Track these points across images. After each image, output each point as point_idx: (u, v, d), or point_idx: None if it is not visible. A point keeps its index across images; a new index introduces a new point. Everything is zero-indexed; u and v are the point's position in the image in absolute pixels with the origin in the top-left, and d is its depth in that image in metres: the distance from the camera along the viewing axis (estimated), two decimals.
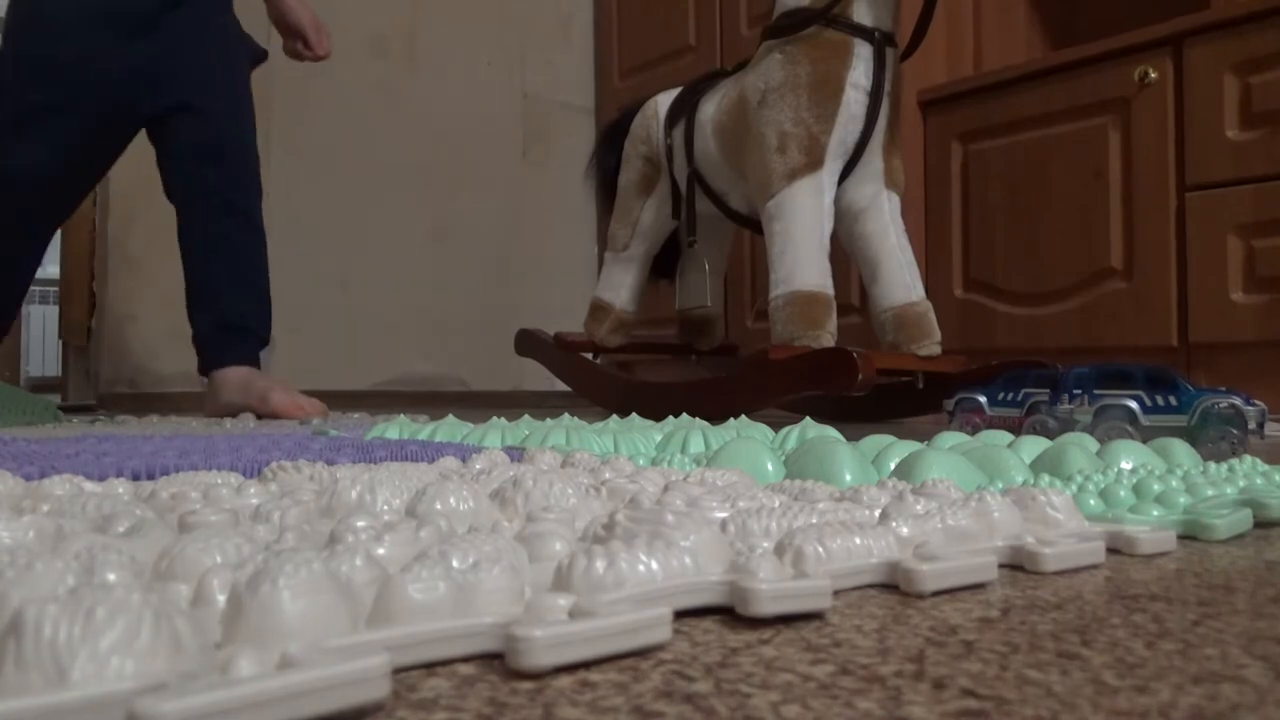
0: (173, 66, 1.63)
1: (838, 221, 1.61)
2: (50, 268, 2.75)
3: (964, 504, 0.42)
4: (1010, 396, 1.03)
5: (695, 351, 2.02)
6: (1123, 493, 0.53)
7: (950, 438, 0.78)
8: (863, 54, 1.55)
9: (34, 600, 0.22)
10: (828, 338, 1.51)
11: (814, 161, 1.54)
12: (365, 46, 2.39)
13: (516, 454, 0.74)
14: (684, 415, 1.22)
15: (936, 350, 1.58)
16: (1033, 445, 0.72)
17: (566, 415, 1.15)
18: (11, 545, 0.35)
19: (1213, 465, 0.64)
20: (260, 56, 1.81)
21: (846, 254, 1.67)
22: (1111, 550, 0.41)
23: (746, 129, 1.64)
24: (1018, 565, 0.38)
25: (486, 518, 0.43)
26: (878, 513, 0.43)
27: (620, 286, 1.93)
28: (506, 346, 2.19)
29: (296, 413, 1.56)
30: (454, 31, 2.82)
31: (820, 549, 0.33)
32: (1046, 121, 1.93)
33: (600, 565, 0.29)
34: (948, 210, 2.09)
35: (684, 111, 1.81)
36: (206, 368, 1.68)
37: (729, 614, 0.30)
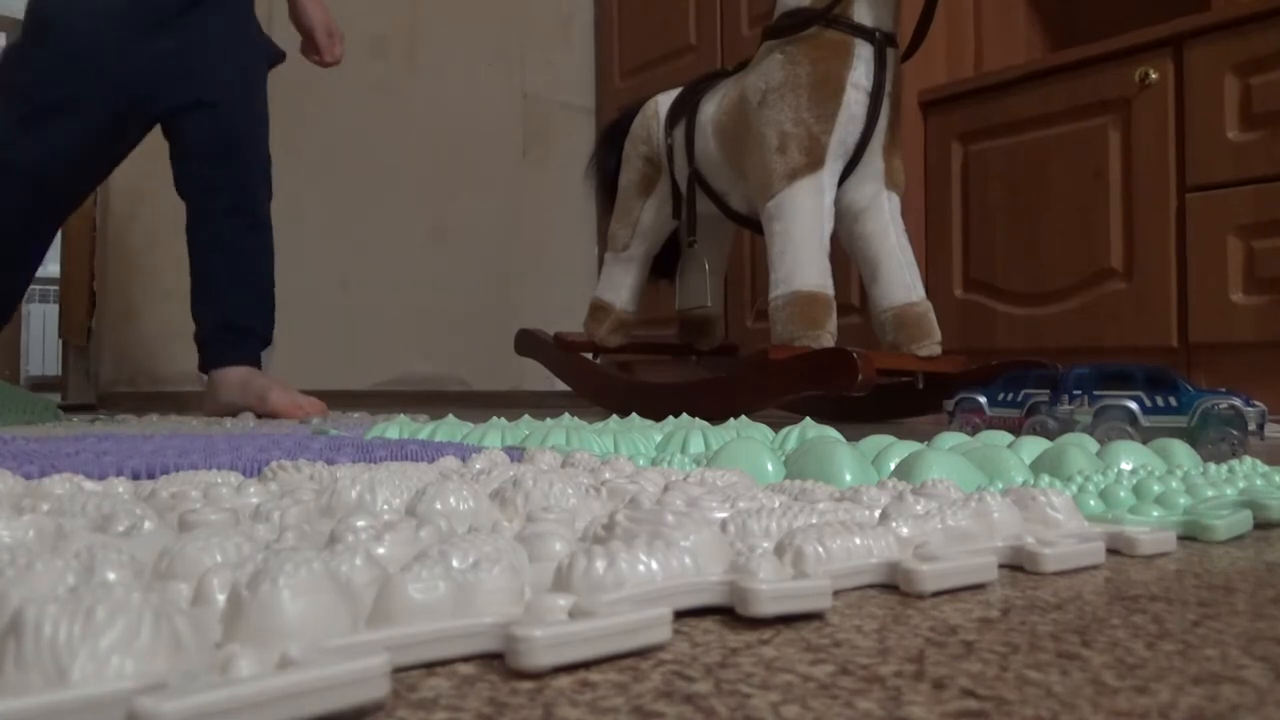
0: (189, 64, 1.63)
1: (838, 221, 1.61)
2: (50, 266, 2.75)
3: (964, 504, 0.42)
4: (1010, 397, 1.03)
5: (695, 352, 2.02)
6: (1123, 493, 0.53)
7: (950, 438, 0.78)
8: (863, 54, 1.55)
9: (34, 599, 0.22)
10: (828, 338, 1.51)
11: (814, 162, 1.54)
12: (365, 47, 2.39)
13: (516, 454, 0.74)
14: (684, 415, 1.22)
15: (936, 350, 1.58)
16: (1033, 446, 0.72)
17: (566, 415, 1.15)
18: (12, 544, 0.35)
19: (1213, 466, 0.64)
20: (278, 57, 1.80)
21: (846, 254, 1.67)
22: (1111, 551, 0.41)
23: (747, 129, 1.64)
24: (1018, 565, 0.38)
25: (486, 518, 0.43)
26: (878, 513, 0.43)
27: (620, 286, 1.93)
28: (506, 346, 2.19)
29: (296, 412, 1.56)
30: (454, 31, 2.82)
31: (820, 549, 0.33)
32: (1047, 122, 1.93)
33: (600, 565, 0.29)
34: (948, 210, 2.09)
35: (684, 111, 1.81)
36: (207, 366, 1.68)
37: (729, 614, 0.30)
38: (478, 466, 0.65)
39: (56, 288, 2.61)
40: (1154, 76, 1.77)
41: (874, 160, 1.61)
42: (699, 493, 0.50)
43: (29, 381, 3.10)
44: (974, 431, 1.04)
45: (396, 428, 1.03)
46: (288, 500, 0.47)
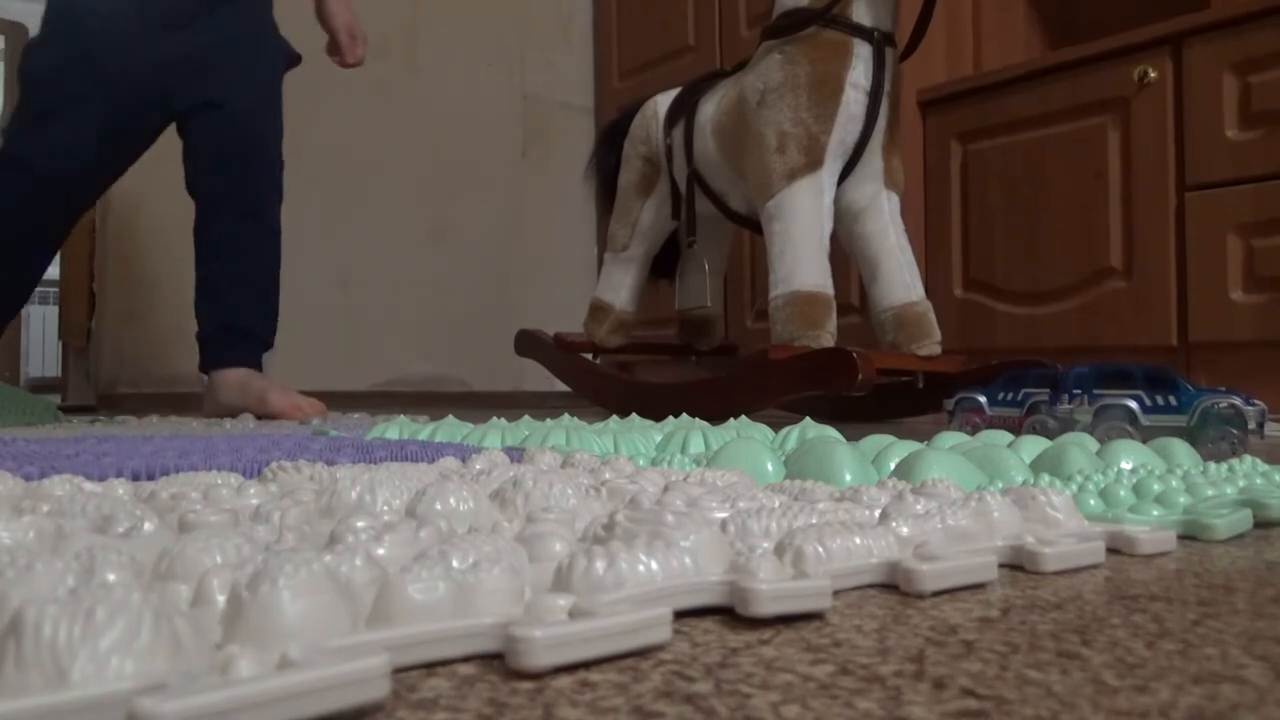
0: (204, 63, 1.63)
1: (837, 221, 1.61)
2: (50, 268, 2.74)
3: (964, 504, 0.42)
4: (1010, 396, 1.03)
5: (695, 352, 2.02)
6: (1123, 493, 0.53)
7: (950, 437, 0.78)
8: (862, 54, 1.55)
9: (34, 600, 0.22)
10: (828, 338, 1.51)
11: (813, 161, 1.54)
12: (369, 48, 2.39)
13: (516, 454, 0.74)
14: (684, 415, 1.22)
15: (936, 350, 1.58)
16: (1033, 445, 0.72)
17: (566, 416, 1.15)
18: (11, 545, 0.35)
19: (1213, 465, 0.64)
20: (294, 60, 1.81)
21: (846, 254, 1.67)
22: (1111, 550, 0.41)
23: (746, 129, 1.64)
24: (1018, 565, 0.38)
25: (486, 518, 0.43)
26: (878, 513, 0.43)
27: (620, 287, 1.93)
28: (506, 347, 2.19)
29: (295, 414, 1.56)
30: (454, 32, 2.82)
31: (820, 549, 0.33)
32: (1046, 121, 1.93)
33: (600, 565, 0.29)
34: (947, 210, 2.09)
35: (683, 112, 1.81)
36: (207, 366, 1.68)
37: (729, 614, 0.30)
38: (478, 467, 0.65)
39: (56, 289, 2.60)
40: (1153, 75, 1.77)
41: (873, 160, 1.61)
42: (699, 493, 0.50)
43: (29, 383, 3.10)
44: (974, 431, 1.04)
45: (396, 428, 1.03)
46: (287, 501, 0.47)
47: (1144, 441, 0.76)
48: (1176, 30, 1.75)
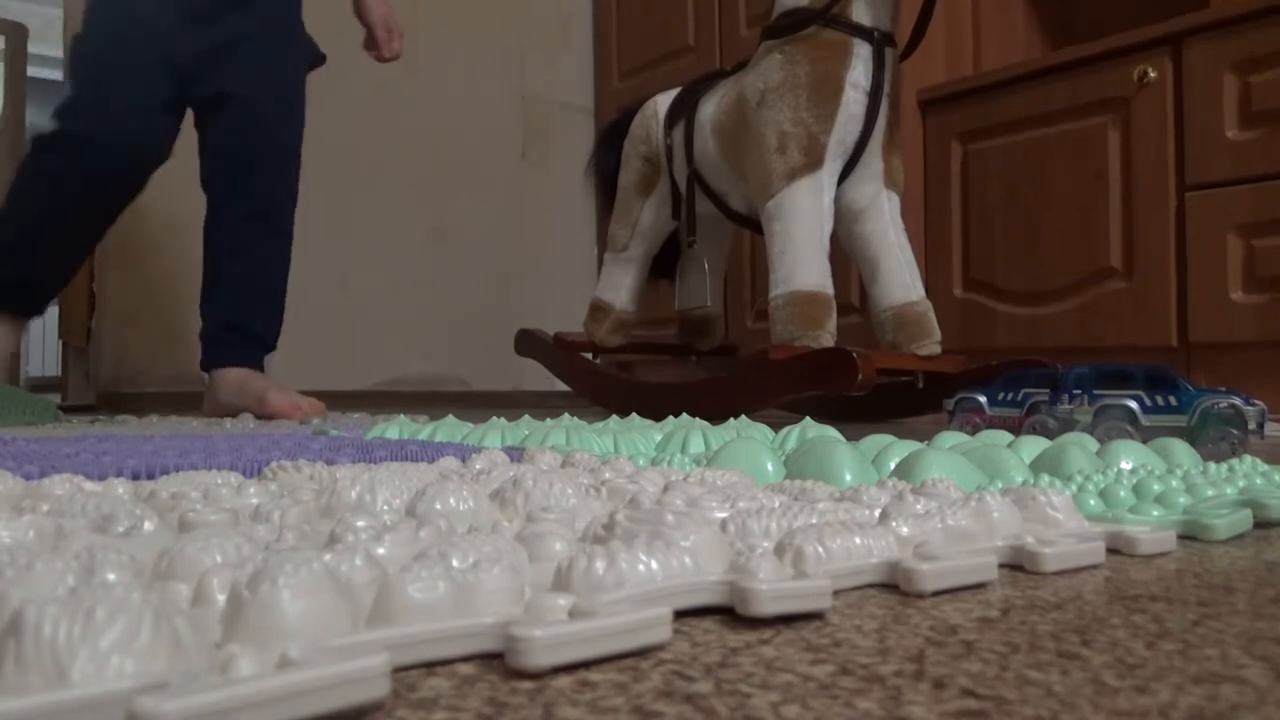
0: (225, 57, 1.63)
1: (837, 221, 1.61)
2: None
3: (964, 504, 0.42)
4: (1010, 396, 1.03)
5: (695, 352, 2.02)
6: (1123, 493, 0.53)
7: (950, 437, 0.78)
8: (862, 54, 1.55)
9: (34, 600, 0.22)
10: (828, 338, 1.51)
11: (813, 161, 1.54)
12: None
13: (516, 454, 0.74)
14: (684, 415, 1.22)
15: (936, 350, 1.58)
16: (1033, 445, 0.72)
17: (566, 415, 1.15)
18: (11, 545, 0.35)
19: (1213, 465, 0.64)
20: (318, 60, 1.80)
21: (846, 254, 1.67)
22: (1111, 550, 0.41)
23: (746, 129, 1.64)
24: (1018, 565, 0.38)
25: (486, 518, 0.43)
26: (878, 512, 0.43)
27: (620, 287, 1.93)
28: (506, 346, 2.19)
29: (295, 413, 1.56)
30: (454, 31, 2.82)
31: (820, 549, 0.33)
32: (1046, 121, 1.93)
33: (600, 565, 0.29)
34: (947, 210, 2.09)
35: (683, 112, 1.81)
36: (208, 365, 1.68)
37: (729, 614, 0.30)
38: (478, 467, 0.65)
39: None
40: (1153, 75, 1.77)
41: (873, 160, 1.61)
42: (699, 492, 0.50)
43: (29, 382, 3.10)
44: (974, 431, 1.04)
45: (396, 428, 1.03)
46: (288, 500, 0.47)
47: (1144, 442, 0.76)
48: (1176, 30, 1.75)
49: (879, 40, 1.56)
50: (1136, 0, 2.20)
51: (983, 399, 1.06)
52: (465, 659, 0.25)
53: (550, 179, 2.99)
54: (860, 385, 1.39)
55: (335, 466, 0.61)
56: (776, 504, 0.47)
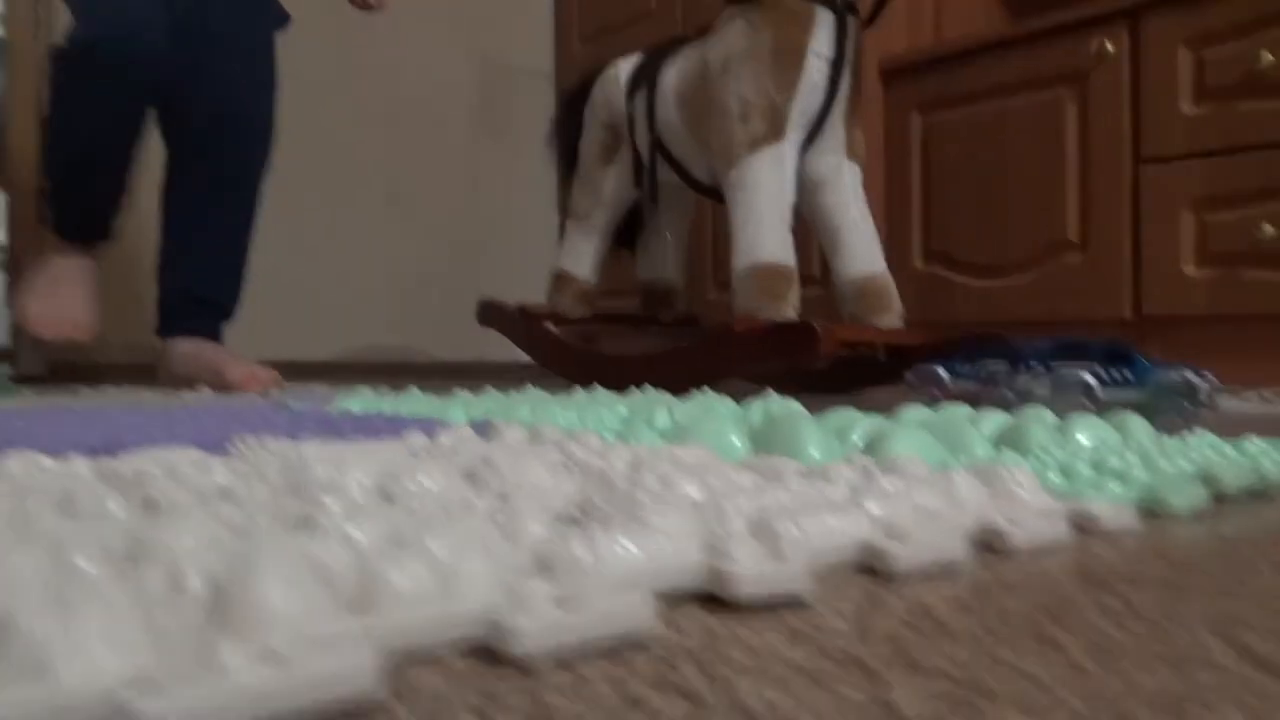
0: (194, 23, 1.59)
1: (799, 193, 1.61)
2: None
3: (932, 482, 0.42)
4: (969, 369, 1.05)
5: (658, 322, 2.02)
6: (1083, 468, 0.54)
7: (912, 411, 0.79)
8: (824, 21, 1.55)
9: (11, 592, 0.21)
10: (790, 310, 1.51)
11: (776, 130, 1.54)
12: (318, 8, 2.34)
13: (482, 428, 0.74)
14: (647, 388, 1.22)
15: (898, 323, 1.59)
16: (993, 420, 0.74)
17: (529, 387, 1.15)
18: None
19: (1167, 439, 0.65)
20: (283, 20, 1.76)
21: (808, 225, 1.68)
22: (1074, 526, 0.42)
23: (709, 98, 1.63)
24: (985, 543, 0.38)
25: (458, 497, 0.43)
26: (847, 491, 0.43)
27: (583, 255, 1.92)
28: (467, 315, 2.17)
29: (252, 384, 1.54)
30: None
31: (796, 530, 0.33)
32: (1006, 92, 1.94)
33: (580, 550, 0.29)
34: (908, 181, 2.10)
35: (645, 79, 1.80)
36: (164, 332, 1.65)
37: (710, 598, 0.30)
38: (445, 442, 0.65)
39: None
40: (1110, 49, 1.78)
41: (835, 130, 1.61)
42: (667, 469, 0.51)
43: None
44: (934, 403, 1.05)
45: (359, 402, 1.02)
46: (255, 480, 0.47)
47: (1100, 415, 0.78)
48: (1134, 4, 1.76)
49: (841, 8, 1.55)
50: None
51: (943, 372, 1.07)
52: (451, 646, 0.25)
53: (509, 144, 2.96)
54: (823, 358, 1.39)
55: (301, 443, 0.60)
56: (749, 482, 0.47)
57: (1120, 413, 0.75)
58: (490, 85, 2.94)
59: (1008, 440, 0.66)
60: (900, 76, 2.11)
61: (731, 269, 1.56)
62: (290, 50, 2.25)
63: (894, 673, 0.24)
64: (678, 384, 1.42)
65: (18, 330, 2.37)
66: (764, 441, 0.66)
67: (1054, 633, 0.27)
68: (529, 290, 2.25)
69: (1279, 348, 1.64)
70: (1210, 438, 0.67)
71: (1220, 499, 0.51)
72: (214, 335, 1.66)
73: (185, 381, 1.60)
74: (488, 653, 0.25)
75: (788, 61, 1.54)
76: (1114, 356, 0.90)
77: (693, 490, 0.44)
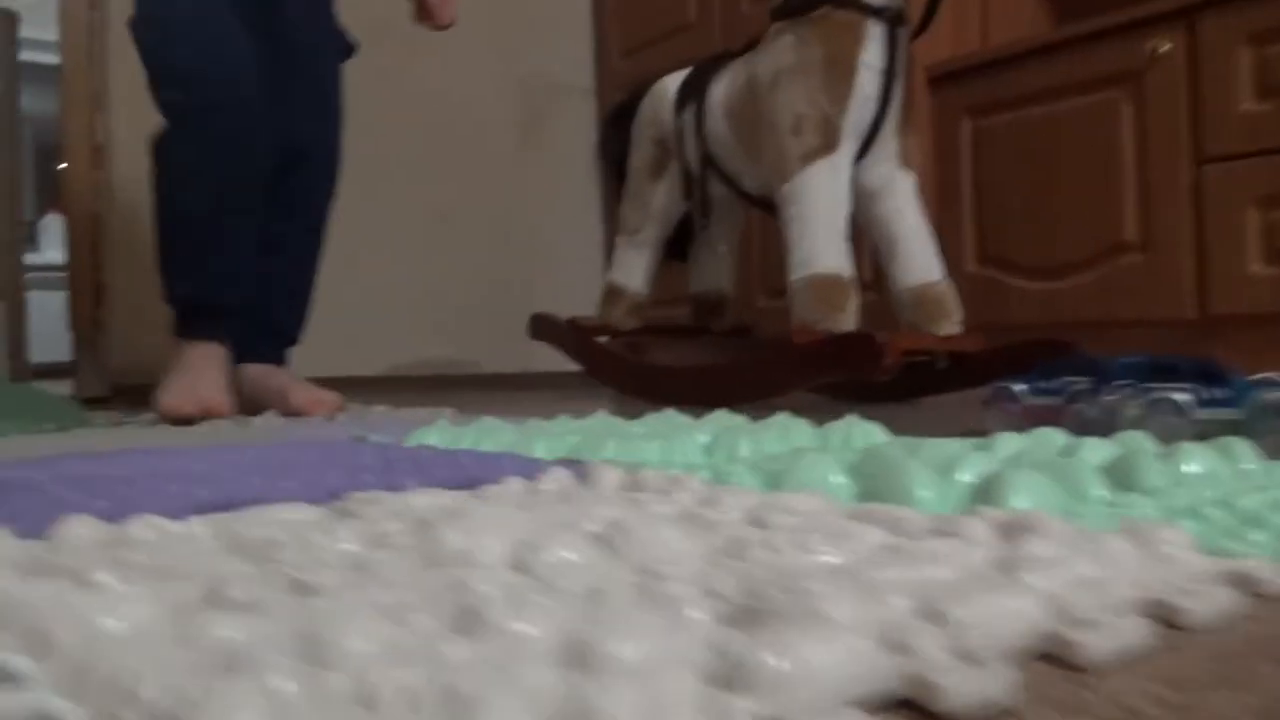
0: (263, 55, 1.58)
1: (854, 204, 1.60)
2: (54, 253, 2.71)
3: (1080, 545, 0.41)
4: (1051, 385, 1.03)
5: (710, 332, 2.02)
6: (1213, 512, 0.52)
7: (1006, 440, 0.78)
8: (875, 33, 1.54)
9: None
10: (849, 321, 1.50)
11: (829, 143, 1.53)
12: (365, 31, 2.36)
13: (575, 467, 0.73)
14: (719, 411, 1.21)
15: (957, 330, 1.58)
16: (1096, 450, 0.72)
17: (600, 413, 1.14)
18: (139, 628, 0.34)
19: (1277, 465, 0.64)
20: (350, 50, 1.77)
21: (864, 234, 1.66)
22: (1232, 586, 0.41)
23: (759, 112, 1.62)
24: (1160, 618, 0.37)
25: (603, 571, 0.42)
26: (991, 555, 0.42)
27: (634, 269, 1.92)
28: (514, 327, 2.18)
29: (317, 409, 1.54)
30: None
31: (975, 618, 0.32)
32: (1057, 95, 1.92)
33: (772, 659, 0.28)
34: (958, 185, 2.08)
35: (693, 94, 1.79)
36: (235, 359, 1.66)
37: (906, 705, 0.29)
38: (548, 489, 0.65)
39: (60, 274, 2.58)
40: (1166, 48, 1.76)
41: (888, 140, 1.60)
42: (790, 523, 0.50)
43: (35, 369, 3.08)
44: (1017, 424, 1.03)
45: (436, 434, 1.02)
46: (385, 549, 0.47)
47: (1196, 437, 0.76)
48: (1190, 3, 1.73)
49: (891, 19, 1.54)
50: None
51: (1021, 388, 1.05)
52: None
53: (552, 159, 2.97)
54: (885, 369, 1.38)
55: (407, 494, 0.60)
56: (879, 540, 0.47)
57: (1223, 437, 0.73)
58: (534, 102, 2.95)
59: (1117, 475, 0.64)
60: (948, 82, 2.09)
61: (787, 281, 1.55)
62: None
63: None
64: (735, 396, 1.41)
65: (80, 348, 2.40)
66: (866, 481, 0.65)
67: None
68: (576, 301, 2.25)
69: None
70: None
71: None
72: (279, 360, 1.67)
73: (251, 407, 1.61)
74: None
75: (840, 74, 1.53)
76: (1206, 375, 0.88)
77: (832, 557, 0.43)
